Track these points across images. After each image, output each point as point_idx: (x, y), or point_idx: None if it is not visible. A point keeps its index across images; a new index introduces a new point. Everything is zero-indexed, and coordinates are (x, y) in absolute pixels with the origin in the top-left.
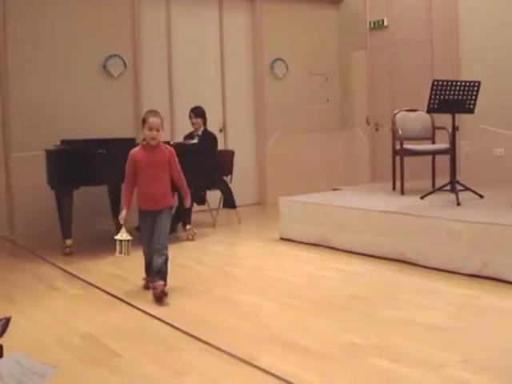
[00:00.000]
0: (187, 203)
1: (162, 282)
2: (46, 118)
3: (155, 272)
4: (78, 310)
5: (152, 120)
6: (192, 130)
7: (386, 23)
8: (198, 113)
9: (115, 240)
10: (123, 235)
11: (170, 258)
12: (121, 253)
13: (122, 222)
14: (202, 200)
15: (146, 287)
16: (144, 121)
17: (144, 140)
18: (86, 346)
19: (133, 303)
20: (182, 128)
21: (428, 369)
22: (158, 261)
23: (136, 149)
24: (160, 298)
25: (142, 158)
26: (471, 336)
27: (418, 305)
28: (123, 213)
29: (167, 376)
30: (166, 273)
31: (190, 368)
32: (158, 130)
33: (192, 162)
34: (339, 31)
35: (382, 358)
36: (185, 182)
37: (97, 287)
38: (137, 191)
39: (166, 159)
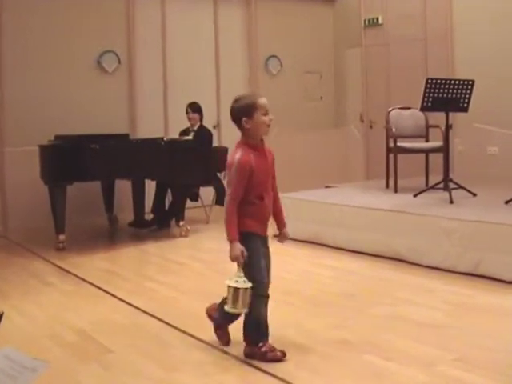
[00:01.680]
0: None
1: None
2: (40, 113)
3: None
4: (70, 305)
5: (264, 101)
6: (187, 125)
7: (380, 21)
8: (195, 108)
9: (228, 287)
10: (239, 280)
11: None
12: (235, 306)
13: (240, 261)
14: (195, 196)
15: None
16: (252, 106)
17: (248, 137)
18: (78, 342)
19: (125, 299)
20: (176, 124)
21: (421, 366)
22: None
23: (243, 151)
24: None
25: (258, 164)
26: (464, 334)
27: (411, 302)
28: (238, 248)
29: (159, 372)
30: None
31: (183, 364)
32: None
33: (187, 158)
34: (334, 29)
35: (374, 355)
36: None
37: (89, 283)
38: (246, 210)
39: (271, 163)
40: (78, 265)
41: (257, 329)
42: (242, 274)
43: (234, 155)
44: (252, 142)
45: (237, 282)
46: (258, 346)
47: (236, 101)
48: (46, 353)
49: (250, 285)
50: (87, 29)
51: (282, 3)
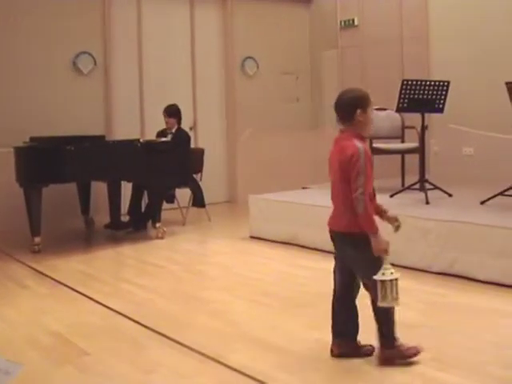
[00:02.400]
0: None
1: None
2: (15, 115)
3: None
4: (46, 308)
5: None
6: (165, 126)
7: (356, 23)
8: (170, 112)
9: (376, 281)
10: (386, 272)
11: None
12: (385, 299)
13: (387, 254)
14: (171, 198)
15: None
16: (367, 99)
17: (360, 129)
18: (55, 345)
19: (102, 301)
20: (152, 125)
21: (397, 366)
22: None
23: (361, 141)
24: None
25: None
26: (440, 334)
27: None
28: (383, 241)
29: (135, 374)
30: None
31: (159, 366)
32: None
33: (162, 160)
34: (310, 30)
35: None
36: None
37: (66, 285)
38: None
39: None
40: (54, 267)
41: (390, 326)
42: (389, 266)
43: (354, 145)
44: (364, 134)
45: (383, 274)
46: (395, 344)
47: (347, 92)
48: (21, 356)
49: (397, 275)
50: (63, 30)
51: (258, 5)
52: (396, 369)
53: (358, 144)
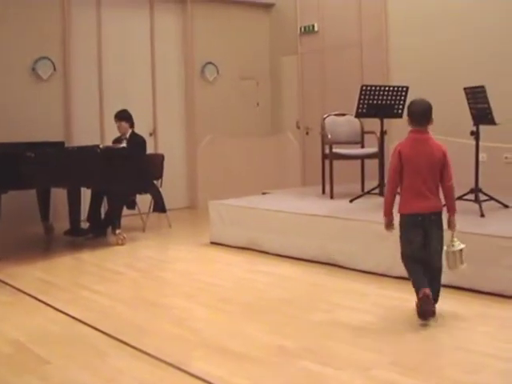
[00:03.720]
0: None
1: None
2: None
3: None
4: (5, 316)
5: None
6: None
7: (316, 28)
8: (121, 116)
9: (447, 252)
10: (455, 244)
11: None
12: (455, 265)
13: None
14: (132, 204)
15: None
16: None
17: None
18: (14, 353)
19: (62, 309)
20: (112, 131)
21: (357, 371)
22: None
23: None
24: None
25: None
26: (400, 338)
27: (347, 307)
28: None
29: (96, 382)
30: None
31: (120, 374)
32: None
33: (122, 166)
34: (270, 36)
35: (310, 360)
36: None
37: (25, 293)
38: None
39: None
40: (14, 275)
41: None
42: (456, 239)
43: (441, 144)
44: None
45: (453, 246)
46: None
47: (425, 101)
48: None
49: (462, 246)
50: (22, 35)
51: (218, 10)
52: (356, 373)
53: (442, 144)
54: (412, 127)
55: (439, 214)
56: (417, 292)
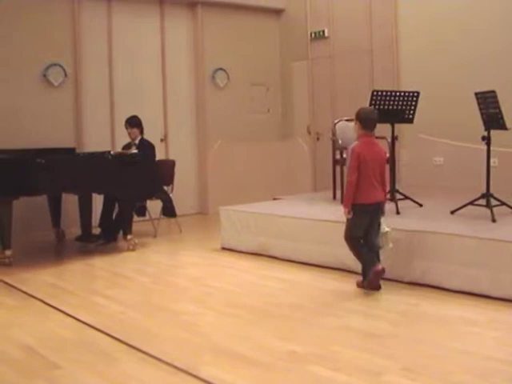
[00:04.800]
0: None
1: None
2: None
3: None
4: (16, 321)
5: None
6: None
7: (326, 34)
8: (132, 123)
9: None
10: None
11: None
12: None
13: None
14: (142, 211)
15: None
16: None
17: None
18: (25, 358)
19: (72, 314)
20: (123, 137)
21: (367, 376)
22: None
23: None
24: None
25: None
26: (411, 343)
27: (358, 313)
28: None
29: None
30: None
31: (130, 379)
32: None
33: (132, 171)
34: (280, 41)
35: (321, 365)
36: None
37: (36, 298)
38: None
39: None
40: (25, 280)
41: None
42: (383, 224)
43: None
44: None
45: (384, 229)
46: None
47: (374, 109)
48: None
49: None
50: (33, 42)
51: (228, 16)
52: (366, 379)
53: None
54: (364, 132)
55: (382, 204)
56: (369, 267)
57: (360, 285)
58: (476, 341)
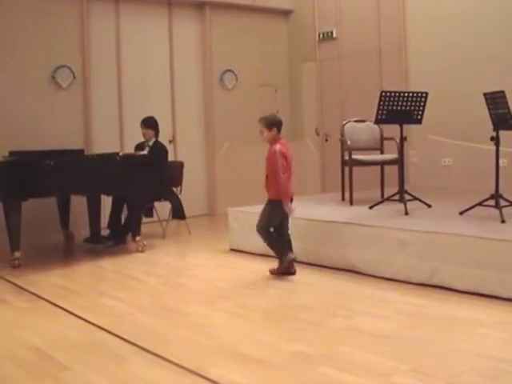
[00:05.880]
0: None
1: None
2: None
3: None
4: (26, 322)
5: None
6: (143, 139)
7: (334, 35)
8: (148, 124)
9: None
10: None
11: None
12: None
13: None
14: (149, 212)
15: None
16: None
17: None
18: (34, 360)
19: (81, 315)
20: (132, 139)
21: (376, 377)
22: None
23: None
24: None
25: None
26: (420, 344)
27: (367, 314)
28: None
29: None
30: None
31: (139, 380)
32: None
33: (141, 173)
34: (289, 42)
35: (330, 367)
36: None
37: (45, 299)
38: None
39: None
40: (34, 282)
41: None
42: None
43: None
44: None
45: None
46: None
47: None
48: (0, 371)
49: None
50: (41, 44)
51: (236, 17)
52: (375, 380)
53: None
54: (278, 136)
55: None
56: (282, 255)
57: (274, 272)
58: (485, 342)
